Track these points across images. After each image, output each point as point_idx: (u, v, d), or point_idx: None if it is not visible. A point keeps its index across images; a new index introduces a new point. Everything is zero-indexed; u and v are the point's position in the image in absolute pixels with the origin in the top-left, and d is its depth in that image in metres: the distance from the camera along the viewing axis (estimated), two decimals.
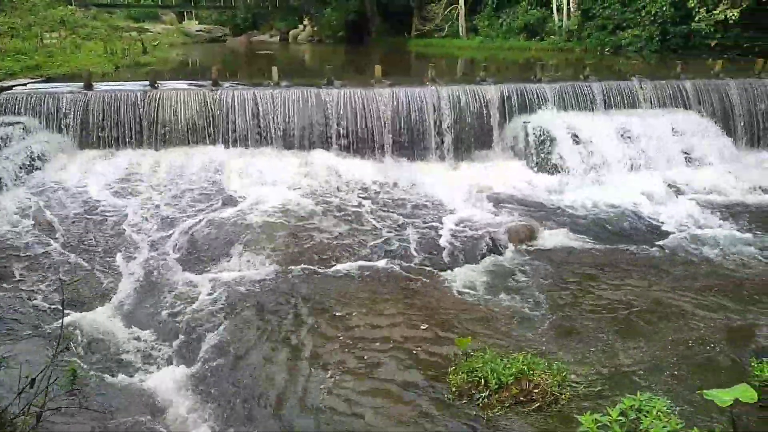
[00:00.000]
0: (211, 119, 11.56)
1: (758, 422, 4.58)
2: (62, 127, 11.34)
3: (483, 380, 5.05)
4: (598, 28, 27.81)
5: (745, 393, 3.62)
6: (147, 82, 12.18)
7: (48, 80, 13.80)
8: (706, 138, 12.28)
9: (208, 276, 7.54)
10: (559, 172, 11.35)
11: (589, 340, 6.19)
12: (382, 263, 8.02)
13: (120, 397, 5.35)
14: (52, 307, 6.75)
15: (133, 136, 11.48)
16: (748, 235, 9.02)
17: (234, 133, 11.59)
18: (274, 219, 9.06)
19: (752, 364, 5.33)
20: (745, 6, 20.48)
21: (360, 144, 11.92)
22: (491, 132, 12.44)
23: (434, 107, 12.19)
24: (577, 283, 7.56)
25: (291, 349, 6.01)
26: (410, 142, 12.11)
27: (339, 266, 7.88)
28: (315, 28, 45.73)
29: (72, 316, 6.50)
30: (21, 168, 10.48)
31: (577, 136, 11.68)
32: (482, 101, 12.40)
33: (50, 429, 4.46)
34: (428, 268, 7.99)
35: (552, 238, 8.96)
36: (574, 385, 5.23)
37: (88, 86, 11.86)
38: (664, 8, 24.13)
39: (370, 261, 8.10)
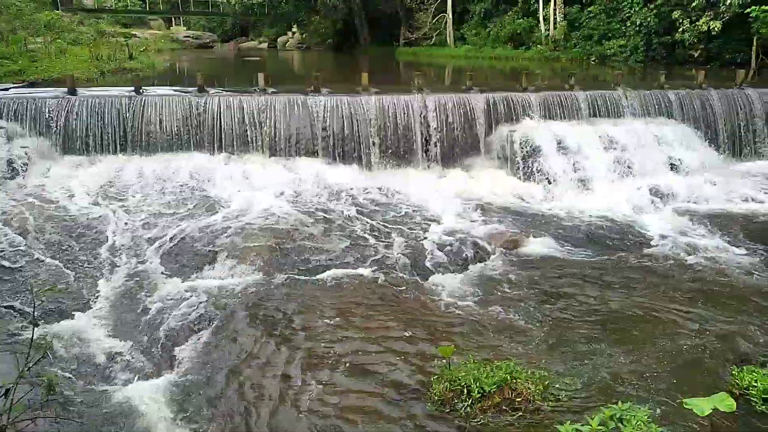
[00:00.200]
0: (196, 125, 11.50)
1: (737, 431, 4.59)
2: (45, 132, 11.21)
3: (466, 389, 5.02)
4: (584, 37, 28.18)
5: (724, 402, 3.62)
6: (132, 88, 12.08)
7: (31, 85, 13.68)
8: (690, 147, 12.43)
9: (190, 284, 7.47)
10: (545, 180, 11.41)
11: (573, 348, 6.19)
12: (367, 271, 7.98)
13: (97, 408, 5.26)
14: (29, 316, 6.63)
15: (117, 142, 11.37)
16: (729, 244, 9.10)
17: (219, 140, 11.53)
18: (259, 226, 8.99)
19: (733, 372, 5.37)
20: (727, 18, 20.79)
21: (346, 151, 11.91)
22: (477, 140, 12.48)
23: (421, 115, 12.22)
24: (562, 291, 7.57)
25: (273, 358, 5.94)
26: (397, 150, 12.11)
27: (324, 274, 7.84)
28: (304, 36, 45.89)
29: (50, 325, 6.41)
30: (2, 173, 10.35)
31: (562, 145, 11.75)
32: (468, 110, 12.45)
33: None
34: (413, 276, 7.98)
35: (537, 246, 8.99)
36: (557, 393, 5.23)
37: (72, 91, 11.75)
38: (649, 19, 24.52)
39: (355, 269, 8.06)
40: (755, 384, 5.01)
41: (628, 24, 25.82)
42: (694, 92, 13.86)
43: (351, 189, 10.90)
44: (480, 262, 8.45)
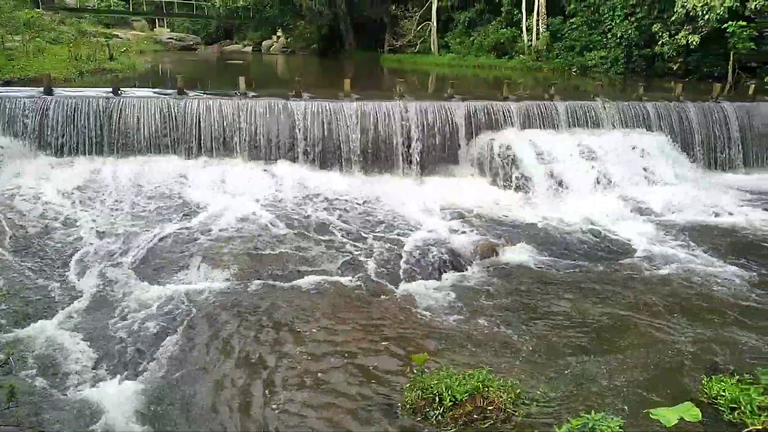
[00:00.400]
0: (174, 128, 11.37)
1: None
2: (19, 132, 11.00)
3: (438, 397, 5.01)
4: (566, 48, 28.49)
5: (690, 412, 3.66)
6: (110, 89, 11.93)
7: (6, 84, 13.46)
8: (666, 159, 12.59)
9: (163, 288, 7.36)
10: (523, 189, 11.48)
11: (547, 357, 6.22)
12: (343, 278, 7.95)
13: (63, 414, 5.16)
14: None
15: (94, 144, 11.20)
16: (705, 255, 9.22)
17: (198, 143, 11.43)
18: (236, 231, 8.92)
19: (703, 382, 5.42)
20: (705, 32, 21.17)
21: (327, 157, 11.88)
22: (458, 148, 12.52)
23: (401, 122, 12.23)
24: (536, 300, 7.60)
25: (244, 365, 5.89)
26: (377, 157, 12.11)
27: (299, 280, 7.79)
28: (288, 40, 45.78)
29: (16, 330, 6.27)
30: None
31: (541, 155, 11.84)
32: (449, 118, 12.49)
33: None
34: (389, 284, 7.96)
35: (513, 254, 9.02)
36: (529, 402, 5.24)
37: (48, 91, 11.57)
38: (630, 32, 24.86)
39: (331, 275, 8.02)
40: (723, 393, 5.07)
41: (609, 36, 26.16)
42: (671, 104, 14.07)
43: (330, 195, 10.87)
44: (456, 270, 8.45)
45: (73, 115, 11.11)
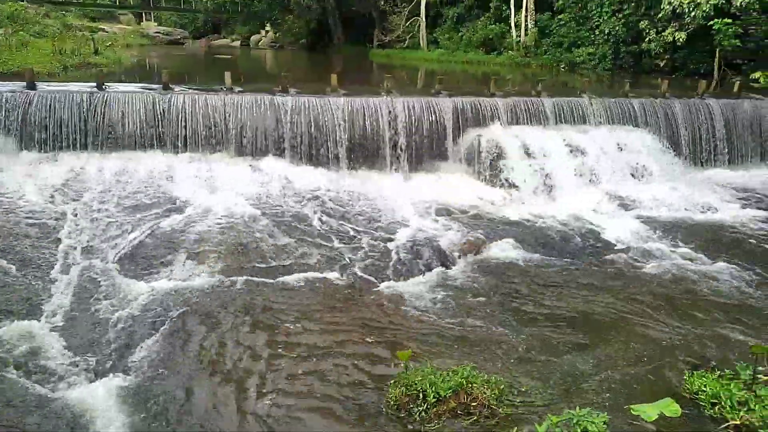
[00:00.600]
0: (160, 124, 11.26)
1: None
2: (1, 127, 10.84)
3: (421, 393, 5.02)
4: (554, 44, 28.57)
5: (669, 407, 3.69)
6: (94, 84, 11.78)
7: None
8: (652, 155, 12.66)
9: (147, 285, 7.30)
10: (510, 185, 11.50)
11: (531, 353, 6.24)
12: (329, 275, 7.93)
13: (45, 413, 5.10)
14: None
15: (78, 140, 11.06)
16: (690, 251, 9.28)
17: (184, 139, 11.32)
18: (221, 227, 8.86)
19: (685, 377, 5.48)
20: (691, 30, 21.31)
21: (314, 152, 11.82)
22: (445, 144, 12.51)
23: (389, 118, 12.20)
24: (522, 296, 7.63)
25: (229, 362, 5.86)
26: (364, 152, 12.07)
27: (285, 277, 7.76)
28: (277, 34, 45.54)
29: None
30: None
31: (527, 151, 11.87)
32: (437, 114, 12.47)
33: None
34: (376, 280, 7.95)
35: (500, 251, 9.04)
36: (513, 398, 5.26)
37: (31, 86, 11.41)
38: (617, 28, 24.96)
39: (317, 272, 8.00)
40: (705, 389, 5.12)
41: (597, 32, 26.26)
42: (657, 101, 14.15)
43: (317, 190, 10.84)
44: (443, 266, 8.46)
45: (57, 110, 10.95)
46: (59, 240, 8.50)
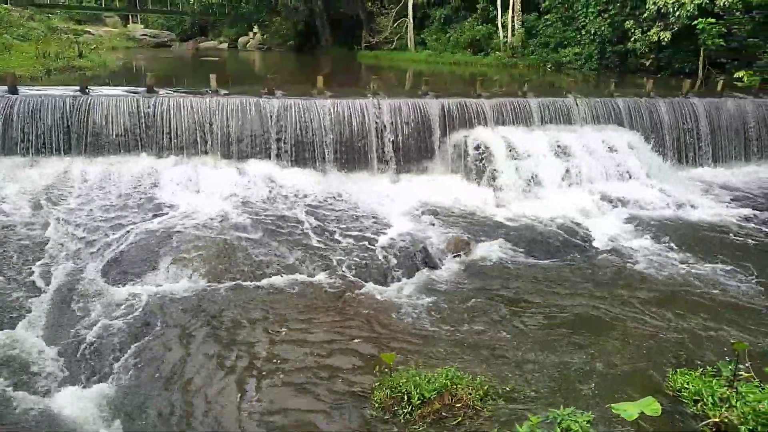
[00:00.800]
0: (144, 127, 11.18)
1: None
2: None
3: (406, 395, 5.02)
4: (540, 45, 28.71)
5: (650, 406, 3.71)
6: (77, 88, 11.68)
7: None
8: (637, 154, 12.73)
9: (131, 290, 7.25)
10: (496, 185, 11.51)
11: (517, 353, 6.26)
12: (316, 277, 7.92)
13: (26, 419, 5.06)
14: None
15: (61, 144, 10.96)
16: (674, 249, 9.36)
17: (169, 142, 11.25)
18: (206, 231, 8.81)
19: (668, 374, 5.51)
20: (676, 29, 21.48)
21: (300, 155, 11.79)
22: (432, 146, 12.53)
23: (376, 120, 12.20)
24: (508, 296, 7.65)
25: (213, 367, 5.82)
26: (351, 154, 12.05)
27: (271, 280, 7.73)
28: (264, 36, 45.41)
29: None
30: None
31: (514, 151, 11.90)
32: (423, 115, 12.48)
33: None
34: (363, 282, 7.94)
35: (487, 251, 9.06)
36: (497, 399, 5.26)
37: (13, 90, 11.28)
38: (603, 28, 25.13)
39: (303, 275, 7.98)
40: (687, 386, 5.15)
41: (583, 33, 26.42)
42: (642, 101, 14.26)
43: (304, 193, 10.80)
44: (429, 267, 8.47)
45: (39, 114, 10.85)
46: (42, 246, 8.42)
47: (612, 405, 3.86)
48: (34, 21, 30.94)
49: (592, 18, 25.79)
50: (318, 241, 8.99)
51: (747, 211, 11.22)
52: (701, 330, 6.76)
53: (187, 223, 9.01)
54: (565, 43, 27.57)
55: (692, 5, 20.36)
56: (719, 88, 15.81)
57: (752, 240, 9.83)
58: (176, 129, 11.26)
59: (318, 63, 33.27)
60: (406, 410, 4.94)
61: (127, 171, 10.59)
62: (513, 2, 29.52)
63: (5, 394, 5.36)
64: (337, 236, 9.23)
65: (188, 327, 6.50)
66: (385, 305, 7.30)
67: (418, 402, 4.96)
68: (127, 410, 5.27)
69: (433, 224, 9.91)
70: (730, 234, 10.12)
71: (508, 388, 5.46)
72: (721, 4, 19.79)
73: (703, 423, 4.40)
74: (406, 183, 11.87)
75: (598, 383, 5.65)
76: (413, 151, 12.39)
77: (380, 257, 8.60)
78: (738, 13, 19.92)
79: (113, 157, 11.00)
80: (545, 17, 28.89)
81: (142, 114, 11.19)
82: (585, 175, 11.93)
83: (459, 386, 5.11)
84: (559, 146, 12.22)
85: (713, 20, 19.78)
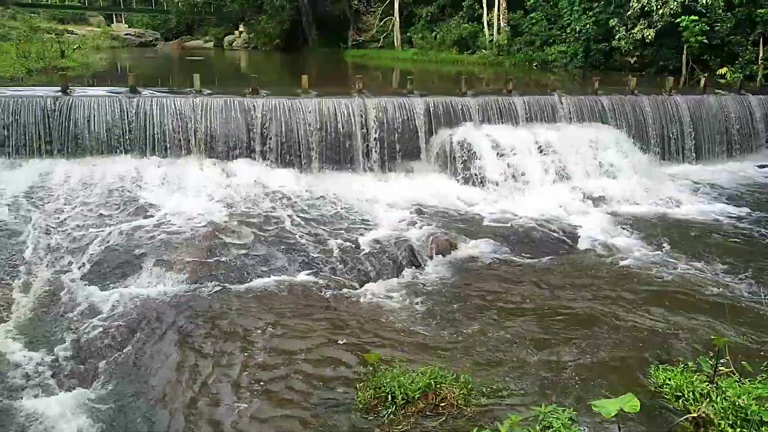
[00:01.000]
0: (127, 127, 11.08)
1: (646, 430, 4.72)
2: None
3: (390, 395, 5.01)
4: (526, 43, 28.81)
5: (630, 403, 3.72)
6: (59, 88, 11.54)
7: None
8: (621, 151, 12.80)
9: (113, 292, 7.19)
10: (482, 184, 11.55)
11: (502, 351, 6.27)
12: (300, 278, 7.89)
13: (5, 425, 4.99)
14: None
15: (42, 145, 10.83)
16: (658, 246, 9.42)
17: (152, 142, 11.15)
18: (190, 232, 8.75)
19: (651, 370, 5.54)
20: (660, 27, 21.65)
21: (286, 154, 11.74)
22: (418, 144, 12.53)
23: (361, 119, 12.18)
24: (493, 294, 7.66)
25: (197, 369, 5.78)
26: (337, 154, 12.02)
27: (256, 281, 7.70)
28: (251, 35, 45.19)
29: None
30: None
31: (499, 149, 11.93)
32: (409, 114, 12.48)
33: None
34: (348, 283, 7.93)
35: (472, 249, 9.09)
36: (481, 397, 5.27)
37: None
38: (588, 26, 25.26)
39: (289, 275, 7.95)
40: (669, 382, 5.18)
41: (568, 31, 26.55)
42: (626, 98, 14.34)
43: (289, 193, 10.76)
44: (415, 266, 8.47)
45: (20, 115, 10.71)
46: (23, 247, 8.32)
47: (592, 402, 3.87)
48: (15, 20, 30.57)
49: (577, 16, 25.92)
50: (303, 241, 8.96)
51: (729, 208, 11.33)
52: (684, 326, 6.80)
53: (170, 225, 8.95)
54: (551, 41, 27.70)
55: (675, 3, 20.56)
56: (702, 85, 15.95)
57: (735, 236, 9.92)
58: (159, 129, 11.17)
59: (304, 62, 33.19)
60: (390, 410, 4.93)
61: (110, 172, 10.49)
62: (499, 0, 29.59)
63: None
64: (322, 236, 9.20)
65: (172, 330, 6.44)
66: (370, 305, 7.29)
67: (402, 402, 4.95)
68: (108, 415, 5.22)
69: (419, 223, 9.91)
70: (713, 230, 10.21)
71: (492, 387, 5.47)
72: (704, 2, 20.00)
73: (682, 418, 4.43)
74: (392, 182, 11.86)
75: (582, 380, 5.67)
76: (399, 150, 12.38)
77: (365, 257, 8.58)
78: (720, 11, 20.12)
79: (96, 158, 10.89)
80: (531, 15, 28.99)
81: (125, 114, 11.09)
82: (570, 173, 11.99)
83: (443, 385, 5.11)
84: (544, 144, 12.27)
85: (696, 18, 19.98)
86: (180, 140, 11.24)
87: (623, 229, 10.18)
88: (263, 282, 7.70)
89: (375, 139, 12.22)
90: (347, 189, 11.17)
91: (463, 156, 11.93)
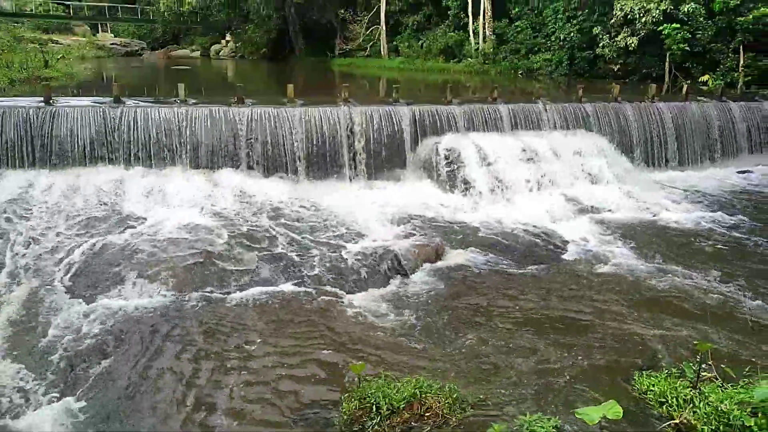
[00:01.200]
0: (111, 138, 11.00)
1: None
2: None
3: (375, 406, 4.97)
4: (511, 51, 29.05)
5: (612, 410, 3.73)
6: (41, 99, 11.44)
7: None
8: (605, 158, 12.92)
9: (97, 305, 7.11)
10: (468, 191, 11.59)
11: (487, 359, 6.27)
12: (286, 288, 7.85)
13: None
14: None
15: (25, 156, 10.72)
16: (642, 252, 9.48)
17: (136, 152, 11.08)
18: (175, 242, 8.68)
19: (635, 376, 5.56)
20: (642, 35, 21.93)
21: (271, 164, 11.71)
22: (404, 153, 12.56)
23: (347, 128, 12.19)
24: (479, 303, 7.67)
25: (181, 382, 5.73)
26: (323, 163, 12.02)
27: (241, 293, 7.64)
28: (237, 45, 45.15)
29: None
30: None
31: (485, 157, 11.99)
32: (395, 122, 12.52)
33: None
34: (334, 292, 7.89)
35: (458, 257, 9.09)
36: (466, 407, 5.25)
37: None
38: (572, 34, 25.55)
39: (274, 286, 7.91)
40: (653, 388, 5.20)
41: (553, 39, 26.83)
42: (609, 105, 14.49)
43: (275, 202, 10.72)
44: (401, 275, 8.46)
45: (2, 126, 10.59)
46: (4, 260, 8.21)
47: (575, 410, 3.88)
48: None
49: (561, 24, 26.20)
50: (290, 251, 8.92)
51: (713, 214, 11.43)
52: (669, 331, 6.85)
53: (154, 235, 8.88)
54: (536, 49, 27.96)
55: (657, 11, 20.85)
56: (684, 92, 16.15)
57: (718, 242, 10.01)
58: (143, 139, 11.10)
59: (291, 71, 33.21)
60: (374, 421, 4.89)
61: (93, 183, 10.40)
62: (484, 9, 29.82)
63: None
64: (308, 245, 9.17)
65: (156, 342, 6.38)
66: (356, 315, 7.26)
67: (387, 412, 4.91)
68: (93, 427, 5.15)
69: (405, 231, 9.91)
70: (697, 236, 10.29)
71: (478, 396, 5.45)
72: (685, 10, 20.30)
73: (665, 424, 4.45)
74: (378, 190, 11.86)
75: (567, 388, 5.68)
76: (385, 159, 12.40)
77: (352, 266, 8.56)
78: (701, 19, 20.43)
79: (79, 168, 10.80)
80: (516, 24, 29.25)
81: (109, 125, 11.01)
82: (555, 180, 12.07)
83: (428, 395, 5.08)
84: (529, 151, 12.34)
85: (678, 26, 20.28)
86: (164, 150, 11.18)
87: (608, 236, 10.24)
88: (248, 293, 7.65)
89: (361, 147, 12.23)
90: (333, 198, 11.15)
91: (449, 164, 11.97)
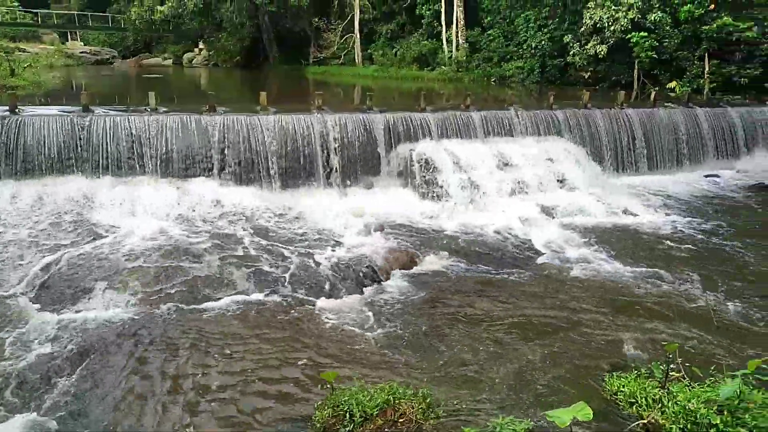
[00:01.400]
0: (79, 147, 10.79)
1: None
2: None
3: (348, 414, 4.94)
4: (484, 59, 29.39)
5: (582, 411, 3.77)
6: (6, 108, 11.18)
7: None
8: (576, 164, 13.11)
9: (63, 317, 6.95)
10: (442, 198, 11.65)
11: (461, 364, 6.29)
12: (258, 298, 7.77)
13: None
14: None
15: None
16: (612, 256, 9.63)
17: (105, 162, 10.88)
18: (144, 253, 8.54)
19: (606, 378, 5.63)
20: (612, 43, 22.38)
21: (244, 172, 11.61)
22: (378, 160, 12.58)
23: (321, 135, 12.16)
24: (453, 308, 7.69)
25: (150, 394, 5.62)
26: (297, 170, 11.96)
27: (212, 303, 7.54)
28: (210, 53, 44.83)
29: None
30: None
31: (458, 164, 12.07)
32: (369, 129, 12.54)
33: None
34: (308, 300, 7.85)
35: (432, 263, 9.13)
36: (440, 411, 5.25)
37: None
38: (543, 43, 25.97)
39: (247, 295, 7.83)
40: (623, 389, 5.27)
41: (525, 47, 27.22)
42: (579, 112, 14.73)
43: (248, 211, 10.64)
44: (376, 282, 8.45)
45: None
46: None
47: (546, 413, 3.90)
48: None
49: (532, 33, 26.61)
50: (262, 259, 8.84)
51: (680, 217, 11.68)
52: (638, 332, 6.96)
53: (124, 246, 8.72)
54: (508, 57, 28.33)
55: (625, 20, 21.32)
56: (652, 98, 16.51)
57: (686, 244, 10.22)
58: (112, 148, 10.91)
59: (265, 78, 33.07)
60: (348, 428, 4.86)
61: (62, 193, 10.18)
62: (457, 18, 30.15)
63: None
64: (282, 254, 9.10)
65: (124, 354, 6.26)
66: (330, 323, 7.22)
67: (361, 419, 4.89)
68: None
69: (380, 238, 9.90)
70: (666, 239, 10.50)
71: (452, 400, 5.46)
72: (652, 18, 20.80)
73: (633, 424, 4.51)
74: (353, 198, 11.85)
75: (540, 391, 5.73)
76: (359, 166, 12.40)
77: (326, 274, 8.53)
78: (668, 27, 20.94)
79: (46, 178, 10.56)
80: (488, 32, 29.62)
81: (77, 133, 10.81)
82: (527, 186, 12.20)
83: (402, 401, 5.07)
84: (501, 158, 12.46)
85: (645, 34, 20.76)
86: (134, 159, 11.01)
87: (579, 240, 10.38)
88: (220, 303, 7.56)
89: (335, 155, 12.21)
90: (307, 205, 11.11)
91: (422, 171, 12.02)
